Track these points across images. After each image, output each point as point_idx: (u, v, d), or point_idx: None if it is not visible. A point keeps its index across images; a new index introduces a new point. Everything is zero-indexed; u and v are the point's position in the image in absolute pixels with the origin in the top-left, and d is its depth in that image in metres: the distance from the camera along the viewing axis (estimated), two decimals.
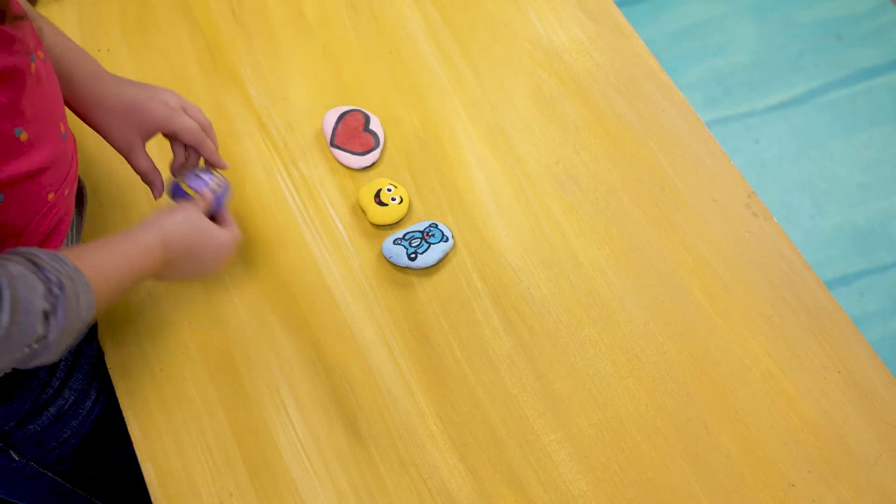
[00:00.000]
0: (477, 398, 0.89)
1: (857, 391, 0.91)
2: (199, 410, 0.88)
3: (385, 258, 0.96)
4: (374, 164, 1.03)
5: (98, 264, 0.71)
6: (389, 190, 0.98)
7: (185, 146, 0.90)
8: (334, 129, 1.03)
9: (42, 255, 0.65)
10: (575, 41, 1.13)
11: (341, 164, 1.03)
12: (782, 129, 2.11)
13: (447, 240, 0.96)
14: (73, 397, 0.89)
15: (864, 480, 0.86)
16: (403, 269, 0.96)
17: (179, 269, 0.82)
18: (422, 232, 0.96)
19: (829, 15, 2.28)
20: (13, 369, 0.81)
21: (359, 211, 1.00)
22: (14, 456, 0.87)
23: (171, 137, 0.89)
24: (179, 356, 0.91)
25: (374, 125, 1.04)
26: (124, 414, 0.88)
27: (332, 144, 1.03)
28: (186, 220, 0.82)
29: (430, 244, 0.95)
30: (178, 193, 0.89)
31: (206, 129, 0.90)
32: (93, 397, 0.92)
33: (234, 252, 0.88)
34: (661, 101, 1.09)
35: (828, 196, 2.02)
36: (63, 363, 0.87)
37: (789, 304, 0.95)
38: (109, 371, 0.90)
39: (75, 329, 0.66)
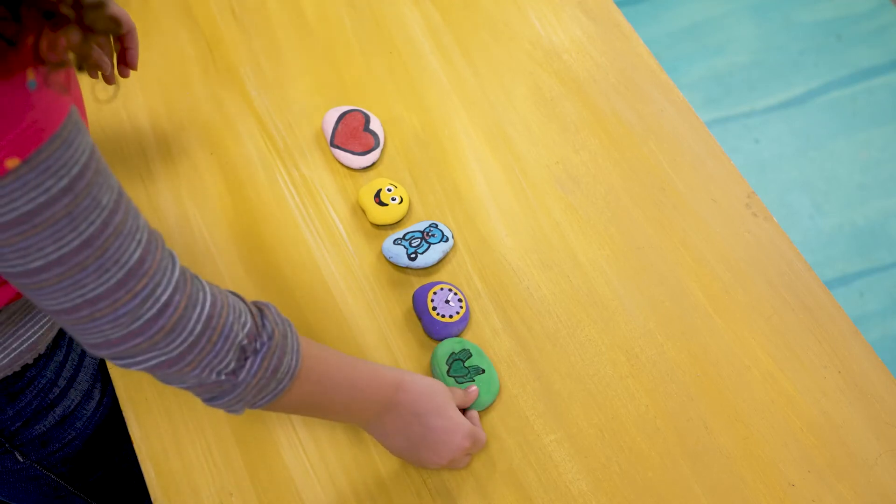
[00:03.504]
0: None
1: (856, 391, 0.91)
2: (199, 410, 0.88)
3: (385, 258, 0.96)
4: (374, 164, 1.03)
5: (322, 357, 0.71)
6: (389, 190, 0.98)
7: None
8: (334, 129, 1.03)
9: (273, 309, 0.67)
10: (575, 41, 1.13)
11: (341, 164, 1.03)
12: (782, 129, 2.11)
13: (447, 240, 0.96)
14: (78, 398, 0.89)
15: (864, 480, 0.86)
16: (403, 269, 0.96)
17: (401, 428, 0.78)
18: (422, 232, 0.96)
19: (829, 15, 2.28)
20: (22, 368, 0.81)
21: (359, 211, 1.00)
22: (18, 457, 0.87)
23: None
24: None
25: (374, 125, 1.04)
26: (124, 414, 0.88)
27: (332, 144, 1.03)
28: (432, 386, 0.79)
29: (430, 244, 0.95)
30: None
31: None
32: (97, 398, 0.92)
33: (467, 454, 0.82)
34: (661, 101, 1.09)
35: (828, 196, 2.02)
36: (69, 363, 0.87)
37: (789, 304, 0.95)
38: (110, 371, 0.90)
39: (266, 388, 0.66)
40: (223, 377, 0.63)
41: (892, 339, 1.84)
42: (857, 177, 2.05)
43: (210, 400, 0.66)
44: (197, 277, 0.62)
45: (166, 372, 0.62)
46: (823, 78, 2.19)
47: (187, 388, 0.64)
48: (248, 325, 0.64)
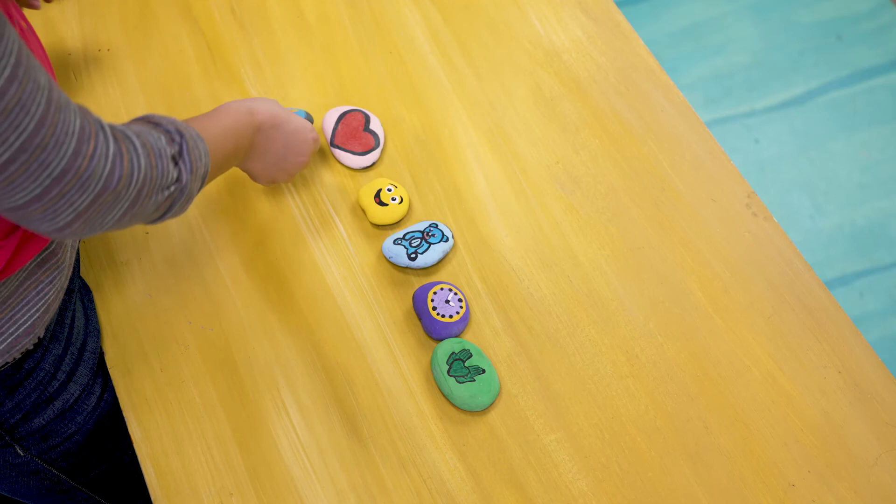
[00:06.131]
0: None
1: (856, 391, 0.91)
2: (199, 410, 0.88)
3: (385, 258, 0.96)
4: (374, 164, 1.03)
5: (200, 125, 0.77)
6: (389, 190, 0.98)
7: None
8: (334, 129, 1.03)
9: (154, 115, 0.72)
10: (575, 41, 1.13)
11: (341, 164, 1.03)
12: (782, 129, 2.11)
13: (447, 240, 0.96)
14: (78, 392, 0.89)
15: (864, 480, 0.86)
16: (403, 269, 0.96)
17: (269, 145, 0.86)
18: (422, 232, 0.96)
19: (829, 15, 2.28)
20: (17, 361, 0.81)
21: (359, 211, 1.00)
22: (19, 451, 0.87)
23: None
24: (179, 356, 0.91)
25: (374, 125, 1.04)
26: (124, 414, 0.88)
27: (332, 144, 1.03)
28: (269, 101, 0.88)
29: (430, 244, 0.95)
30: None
31: None
32: (97, 393, 0.92)
33: (317, 145, 0.93)
34: (661, 101, 1.09)
35: (828, 196, 2.02)
36: (69, 356, 0.87)
37: (789, 303, 0.95)
38: (109, 371, 0.90)
39: (200, 175, 0.72)
40: (173, 188, 0.68)
41: (892, 339, 1.84)
42: (857, 177, 2.05)
43: (163, 216, 0.71)
44: (110, 125, 0.65)
45: (132, 213, 0.65)
46: (823, 78, 2.19)
47: (143, 220, 0.69)
48: (163, 137, 0.68)
